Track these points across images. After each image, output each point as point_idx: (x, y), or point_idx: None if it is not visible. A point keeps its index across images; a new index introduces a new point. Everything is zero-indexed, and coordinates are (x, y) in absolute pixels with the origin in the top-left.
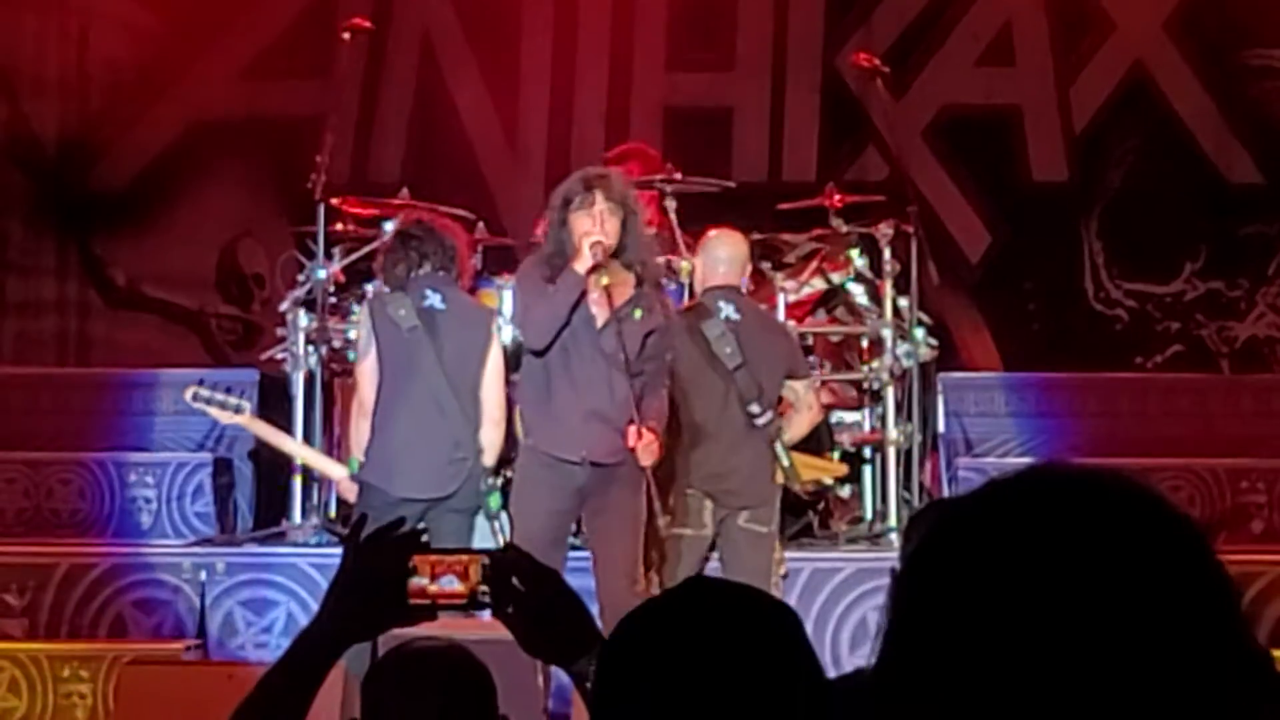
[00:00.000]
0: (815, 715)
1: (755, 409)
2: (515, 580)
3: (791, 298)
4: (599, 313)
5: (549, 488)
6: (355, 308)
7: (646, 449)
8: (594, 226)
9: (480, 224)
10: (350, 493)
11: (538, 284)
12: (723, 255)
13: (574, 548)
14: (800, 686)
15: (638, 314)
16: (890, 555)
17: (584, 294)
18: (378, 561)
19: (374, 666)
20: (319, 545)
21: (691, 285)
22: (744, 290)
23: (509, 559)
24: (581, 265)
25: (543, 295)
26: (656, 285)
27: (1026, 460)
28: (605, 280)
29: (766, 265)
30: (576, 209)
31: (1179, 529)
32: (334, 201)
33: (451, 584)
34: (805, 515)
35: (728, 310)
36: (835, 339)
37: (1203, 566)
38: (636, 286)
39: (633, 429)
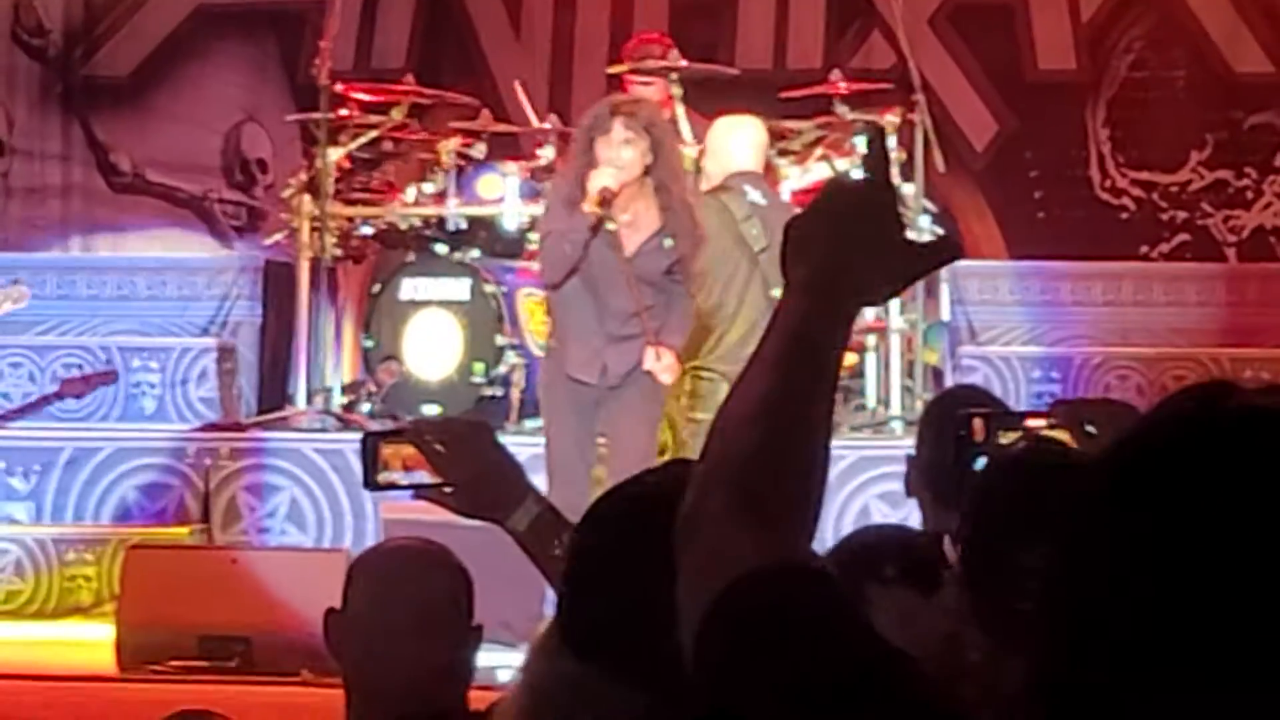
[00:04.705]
0: None
1: (778, 294)
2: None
3: (796, 184)
4: (630, 240)
5: (568, 401)
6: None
7: (666, 370)
8: (613, 154)
9: (485, 110)
10: None
11: (557, 214)
12: (743, 140)
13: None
14: None
15: (668, 242)
16: (892, 443)
17: (599, 229)
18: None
19: (352, 565)
20: (322, 430)
21: (697, 170)
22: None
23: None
24: (589, 208)
25: (558, 237)
26: (685, 206)
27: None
28: (614, 225)
29: (771, 152)
30: (600, 135)
31: None
32: (338, 87)
33: (423, 479)
34: None
35: (754, 195)
36: None
37: None
38: (664, 210)
39: (650, 351)
